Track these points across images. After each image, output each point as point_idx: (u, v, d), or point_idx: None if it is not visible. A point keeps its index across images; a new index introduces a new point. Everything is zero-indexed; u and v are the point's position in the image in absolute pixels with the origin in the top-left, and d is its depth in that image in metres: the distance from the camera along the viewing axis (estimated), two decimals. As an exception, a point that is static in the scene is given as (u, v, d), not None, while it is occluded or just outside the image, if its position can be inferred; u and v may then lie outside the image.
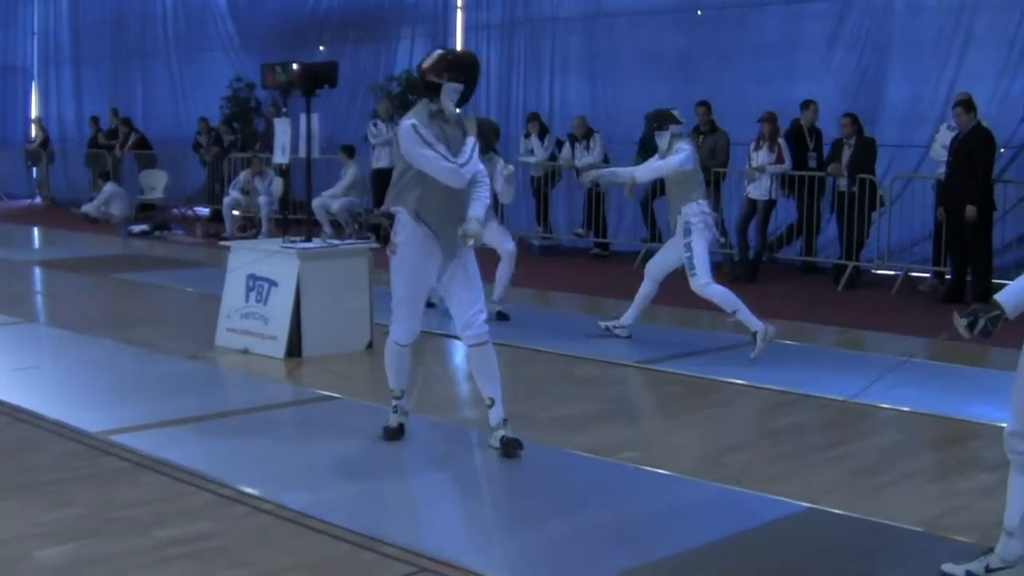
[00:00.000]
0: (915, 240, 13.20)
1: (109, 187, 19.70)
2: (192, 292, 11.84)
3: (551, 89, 17.26)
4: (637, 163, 14.66)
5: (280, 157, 9.28)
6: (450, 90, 5.94)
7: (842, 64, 14.08)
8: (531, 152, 15.92)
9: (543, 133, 16.01)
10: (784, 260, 13.93)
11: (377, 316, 8.82)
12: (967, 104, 11.46)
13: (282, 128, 9.22)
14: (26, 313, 10.66)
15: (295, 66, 8.78)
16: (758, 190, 13.18)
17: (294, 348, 8.51)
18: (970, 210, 11.19)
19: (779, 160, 13.18)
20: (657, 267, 9.20)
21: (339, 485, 5.66)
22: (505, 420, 6.11)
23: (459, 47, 18.43)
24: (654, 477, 5.79)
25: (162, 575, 4.46)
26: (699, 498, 5.51)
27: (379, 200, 16.66)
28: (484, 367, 6.15)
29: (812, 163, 13.38)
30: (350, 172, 16.51)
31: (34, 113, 25.90)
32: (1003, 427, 4.33)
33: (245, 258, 9.02)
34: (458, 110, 6.04)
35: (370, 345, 8.79)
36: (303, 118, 8.89)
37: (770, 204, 13.27)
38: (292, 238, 9.00)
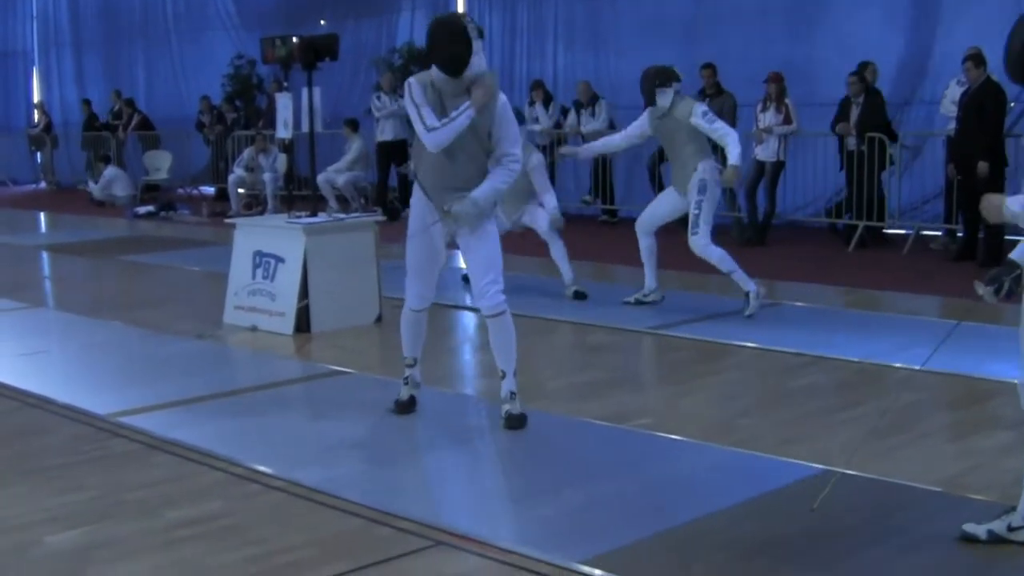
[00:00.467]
0: (926, 198, 13.09)
1: (110, 170, 19.66)
2: (199, 271, 11.80)
3: (555, 57, 17.15)
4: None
5: (283, 132, 9.21)
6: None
7: (851, 19, 13.91)
8: (536, 120, 15.81)
9: (547, 101, 15.91)
10: (799, 222, 13.84)
11: (385, 289, 8.77)
12: (977, 58, 11.32)
13: (284, 103, 9.15)
14: (33, 298, 10.62)
15: (295, 39, 8.68)
16: (766, 152, 13.07)
17: (302, 324, 8.46)
18: (982, 166, 11.07)
19: (786, 121, 13.06)
20: (648, 220, 9.13)
21: (351, 460, 5.61)
22: (513, 394, 6.03)
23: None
24: (667, 443, 5.73)
25: (174, 556, 4.42)
26: (713, 463, 5.45)
27: (384, 173, 16.61)
28: (499, 338, 6.04)
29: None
30: (355, 146, 16.43)
31: (36, 98, 25.83)
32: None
33: (251, 235, 8.97)
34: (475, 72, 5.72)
35: (379, 319, 8.74)
36: (305, 92, 8.80)
37: (778, 165, 13.16)
38: (298, 213, 8.94)
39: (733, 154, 8.47)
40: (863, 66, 12.62)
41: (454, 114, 5.69)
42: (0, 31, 26.69)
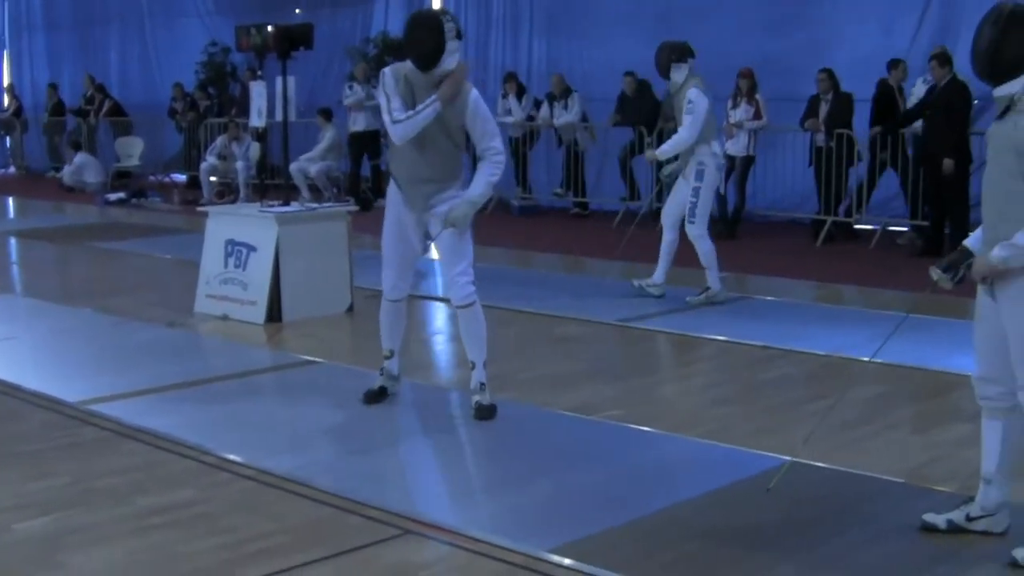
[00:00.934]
0: (892, 194, 13.19)
1: (79, 157, 19.54)
2: (170, 259, 11.77)
3: (529, 49, 17.17)
4: (615, 121, 14.73)
5: (256, 120, 9.21)
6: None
7: (821, 16, 14.01)
8: (509, 112, 15.84)
9: (520, 93, 15.94)
10: (765, 215, 13.94)
11: (357, 279, 8.79)
12: (942, 57, 11.45)
13: (258, 91, 9.15)
14: (1, 284, 10.57)
15: (270, 28, 8.68)
16: (736, 146, 13.15)
17: (274, 313, 8.47)
18: (947, 163, 11.19)
19: (757, 116, 13.14)
20: (669, 212, 9.13)
21: (322, 449, 5.64)
22: (483, 384, 6.09)
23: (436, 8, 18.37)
24: (638, 434, 5.80)
25: (145, 543, 4.45)
26: (683, 454, 5.53)
27: (357, 163, 16.60)
28: (469, 329, 6.12)
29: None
30: (328, 135, 16.41)
31: (6, 81, 25.59)
32: (979, 377, 4.37)
33: (223, 224, 8.96)
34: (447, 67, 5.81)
35: (351, 308, 8.76)
36: (279, 81, 8.81)
37: (748, 160, 13.26)
38: (270, 202, 8.94)
39: (668, 142, 8.94)
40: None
41: (420, 107, 5.76)
42: (-30, 13, 26.43)
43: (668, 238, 9.15)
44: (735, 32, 14.25)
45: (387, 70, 5.93)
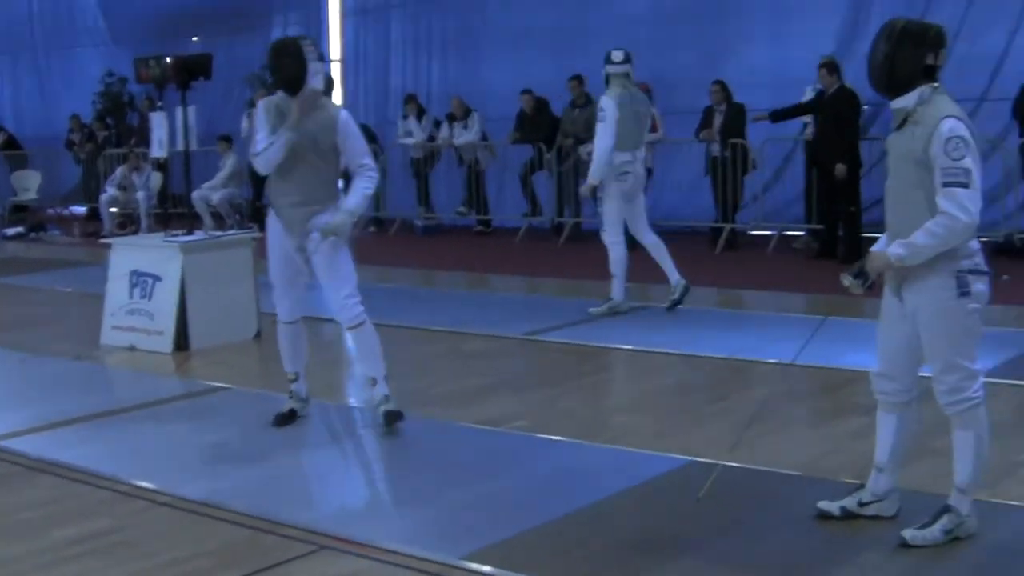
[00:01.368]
0: (788, 200, 13.58)
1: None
2: (73, 292, 11.67)
3: (428, 70, 17.36)
4: (515, 139, 14.92)
5: (157, 151, 9.23)
6: None
7: (709, 32, 14.37)
8: (410, 134, 15.99)
9: (420, 114, 16.08)
10: (663, 225, 14.21)
11: (264, 305, 8.83)
12: (831, 66, 11.82)
13: (158, 122, 9.17)
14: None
15: (168, 59, 8.72)
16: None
17: (182, 341, 8.50)
18: (840, 168, 11.54)
19: (653, 129, 13.41)
20: (633, 224, 9.29)
21: (236, 472, 5.71)
22: (387, 396, 6.21)
23: (335, 33, 18.54)
24: (543, 443, 5.97)
25: (64, 574, 4.48)
26: (587, 460, 5.70)
27: (259, 189, 16.58)
28: (363, 348, 6.28)
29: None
30: (229, 162, 16.37)
31: None
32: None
33: (127, 255, 8.96)
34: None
35: (258, 334, 8.81)
36: (179, 111, 8.85)
37: (646, 172, 13.50)
38: (174, 232, 8.97)
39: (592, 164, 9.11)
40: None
41: (272, 138, 5.98)
42: None
43: (648, 243, 9.30)
44: (631, 48, 14.53)
45: (260, 103, 6.18)
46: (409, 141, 15.92)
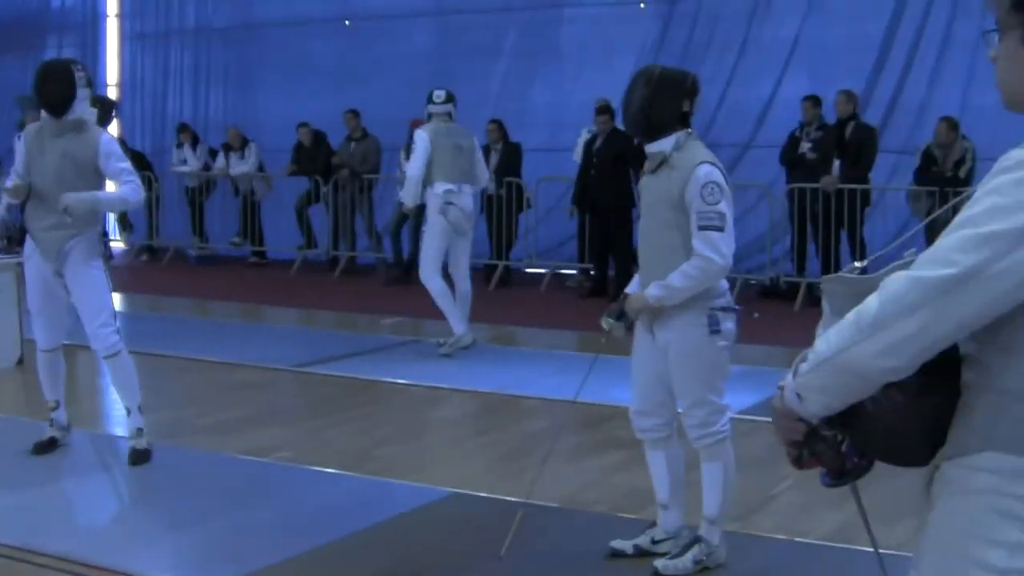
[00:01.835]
0: (562, 240, 13.89)
1: None
2: None
3: (207, 99, 17.12)
4: (292, 171, 14.82)
5: (-86, 172, 8.78)
6: None
7: (492, 71, 14.65)
8: (184, 162, 15.69)
9: (195, 142, 15.82)
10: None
11: (27, 331, 8.49)
12: (605, 109, 12.16)
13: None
14: None
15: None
16: (408, 196, 13.44)
17: (-67, 370, 8.09)
18: (612, 209, 11.82)
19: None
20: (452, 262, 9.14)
21: (-8, 503, 5.47)
22: (140, 429, 6.12)
23: (112, 57, 18.11)
24: (308, 473, 5.94)
25: None
26: (350, 491, 5.70)
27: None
28: (119, 378, 6.17)
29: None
30: (-8, 185, 15.68)
31: None
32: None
33: None
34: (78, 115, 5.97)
35: (20, 361, 8.48)
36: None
37: (420, 208, 13.57)
38: (-69, 256, 8.55)
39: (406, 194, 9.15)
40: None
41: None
42: None
43: (458, 288, 9.10)
44: (408, 86, 14.68)
45: (24, 131, 6.15)
46: (184, 169, 15.62)
